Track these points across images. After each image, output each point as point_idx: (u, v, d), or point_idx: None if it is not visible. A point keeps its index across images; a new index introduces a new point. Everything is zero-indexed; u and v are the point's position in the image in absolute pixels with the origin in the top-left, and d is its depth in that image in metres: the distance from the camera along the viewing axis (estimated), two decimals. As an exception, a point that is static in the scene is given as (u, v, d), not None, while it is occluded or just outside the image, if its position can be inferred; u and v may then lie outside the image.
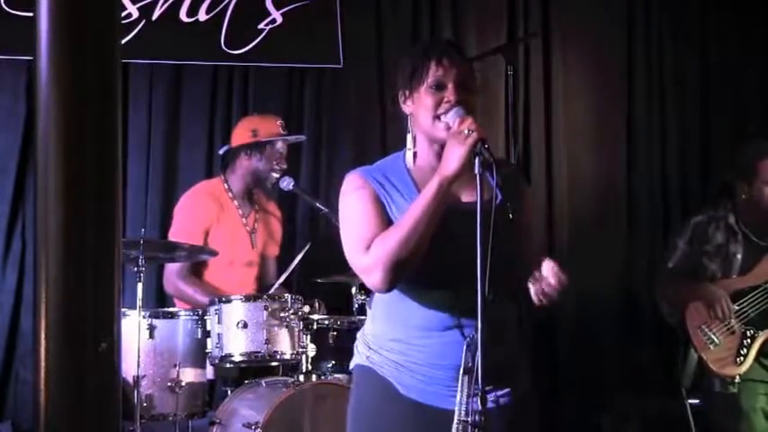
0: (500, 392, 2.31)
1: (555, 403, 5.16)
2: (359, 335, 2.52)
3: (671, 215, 5.41)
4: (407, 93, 2.41)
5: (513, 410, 2.35)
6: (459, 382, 2.23)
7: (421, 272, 2.29)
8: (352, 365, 2.51)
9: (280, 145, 4.36)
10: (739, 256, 3.89)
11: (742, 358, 3.80)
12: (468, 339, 2.27)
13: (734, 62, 5.55)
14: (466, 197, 2.38)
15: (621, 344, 5.28)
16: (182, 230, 4.26)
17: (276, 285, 4.22)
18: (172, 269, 4.23)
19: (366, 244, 2.30)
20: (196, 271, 4.27)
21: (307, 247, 4.21)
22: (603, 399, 4.98)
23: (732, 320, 3.83)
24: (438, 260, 2.29)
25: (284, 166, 4.36)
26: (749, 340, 3.82)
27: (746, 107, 5.56)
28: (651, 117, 5.51)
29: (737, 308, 3.84)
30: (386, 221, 2.34)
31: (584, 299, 5.17)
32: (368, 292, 2.49)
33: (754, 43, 5.57)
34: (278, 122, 4.41)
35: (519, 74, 5.22)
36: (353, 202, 2.38)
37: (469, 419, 2.17)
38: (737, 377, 3.79)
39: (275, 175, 4.32)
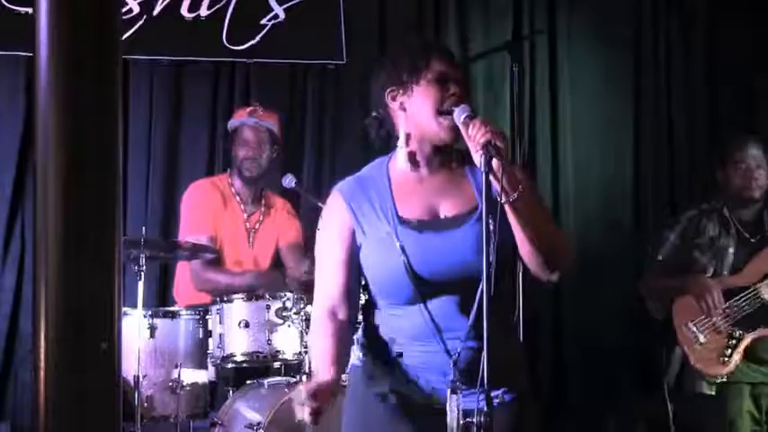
0: (494, 393, 2.25)
1: (561, 404, 5.14)
2: (355, 337, 2.52)
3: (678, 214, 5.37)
4: (401, 89, 2.37)
5: (507, 411, 2.32)
6: (448, 400, 2.19)
7: (398, 289, 2.31)
8: (348, 367, 2.51)
9: (246, 132, 4.30)
10: (731, 251, 3.89)
11: (727, 358, 3.79)
12: (455, 356, 2.25)
13: (742, 61, 5.52)
14: (445, 211, 2.35)
15: (628, 345, 5.24)
16: (191, 223, 4.23)
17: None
18: (194, 266, 4.18)
19: (321, 303, 2.40)
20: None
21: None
22: (610, 400, 4.96)
23: (719, 318, 3.81)
24: (416, 276, 2.28)
25: (251, 154, 4.28)
26: (735, 341, 3.80)
27: (755, 106, 5.52)
28: (658, 115, 5.48)
29: (725, 306, 3.82)
30: (347, 264, 2.38)
31: (590, 299, 5.15)
32: (367, 293, 2.47)
33: (763, 42, 5.53)
34: (248, 109, 4.39)
35: (524, 71, 5.20)
36: (321, 244, 2.44)
37: (474, 420, 2.12)
38: (720, 377, 3.78)
39: (247, 162, 4.27)
